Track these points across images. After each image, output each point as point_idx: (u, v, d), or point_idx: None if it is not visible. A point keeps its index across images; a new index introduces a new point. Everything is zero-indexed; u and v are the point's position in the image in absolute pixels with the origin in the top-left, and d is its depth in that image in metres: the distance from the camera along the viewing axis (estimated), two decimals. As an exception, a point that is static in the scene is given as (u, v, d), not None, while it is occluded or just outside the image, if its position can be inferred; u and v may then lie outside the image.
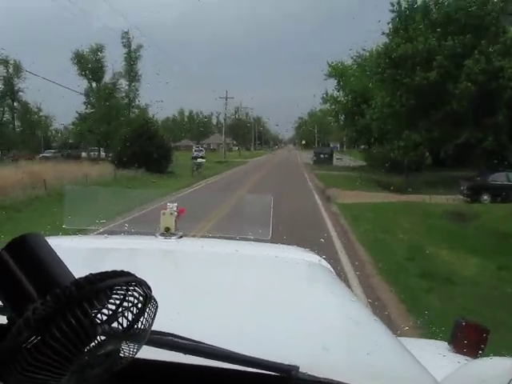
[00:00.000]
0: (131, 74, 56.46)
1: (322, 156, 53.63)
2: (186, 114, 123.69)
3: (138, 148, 36.98)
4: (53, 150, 58.39)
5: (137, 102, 60.66)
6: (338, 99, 47.98)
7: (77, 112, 58.20)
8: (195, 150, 71.88)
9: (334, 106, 48.18)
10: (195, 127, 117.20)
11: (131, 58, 55.62)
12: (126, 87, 57.94)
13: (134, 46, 56.77)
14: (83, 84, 55.63)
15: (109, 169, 30.56)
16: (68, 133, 67.75)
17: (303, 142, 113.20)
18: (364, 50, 45.18)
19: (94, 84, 56.95)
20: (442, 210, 17.54)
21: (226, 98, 69.69)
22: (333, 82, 48.81)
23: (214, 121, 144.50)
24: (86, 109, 56.98)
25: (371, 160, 47.03)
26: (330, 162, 54.08)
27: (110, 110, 53.51)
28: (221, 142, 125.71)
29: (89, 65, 55.58)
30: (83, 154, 56.42)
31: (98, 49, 56.49)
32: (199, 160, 39.01)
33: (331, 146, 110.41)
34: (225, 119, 73.88)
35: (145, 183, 25.20)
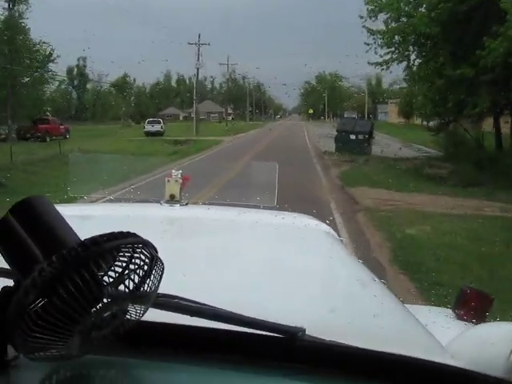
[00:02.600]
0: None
1: (352, 137, 22.20)
2: (175, 78, 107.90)
3: None
4: None
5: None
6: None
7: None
8: (148, 122, 49.18)
9: (395, 24, 17.19)
10: (185, 93, 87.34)
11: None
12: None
13: None
14: None
15: None
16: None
17: (310, 111, 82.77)
18: None
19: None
20: None
21: (199, 44, 40.11)
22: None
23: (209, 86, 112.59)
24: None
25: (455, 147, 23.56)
26: (366, 148, 21.56)
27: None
28: (211, 110, 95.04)
29: None
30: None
31: None
32: None
33: (346, 115, 76.39)
34: (197, 77, 44.94)
35: None
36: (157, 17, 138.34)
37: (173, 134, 44.66)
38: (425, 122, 54.16)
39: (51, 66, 40.43)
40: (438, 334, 1.23)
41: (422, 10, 19.20)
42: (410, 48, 21.77)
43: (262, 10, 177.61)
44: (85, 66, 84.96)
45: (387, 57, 22.00)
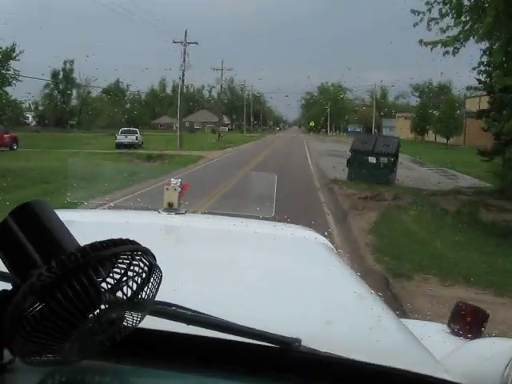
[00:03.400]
0: None
1: (372, 161, 13.24)
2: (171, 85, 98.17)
3: None
4: None
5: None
6: None
7: None
8: (121, 132, 40.49)
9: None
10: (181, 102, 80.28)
11: None
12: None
13: None
14: None
15: None
16: None
17: (311, 123, 76.00)
18: None
19: None
20: None
21: (185, 43, 31.94)
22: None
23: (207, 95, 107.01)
24: None
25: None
26: (391, 175, 12.02)
27: None
28: (207, 120, 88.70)
29: None
30: None
31: None
32: None
33: (350, 129, 70.13)
34: (182, 80, 37.07)
35: None
36: (157, 23, 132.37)
37: (152, 146, 38.22)
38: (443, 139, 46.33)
39: (14, 64, 33.16)
40: (433, 348, 1.24)
41: None
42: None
43: (265, 20, 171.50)
44: (71, 70, 77.73)
45: (455, 31, 12.98)
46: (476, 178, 22.05)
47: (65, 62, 76.39)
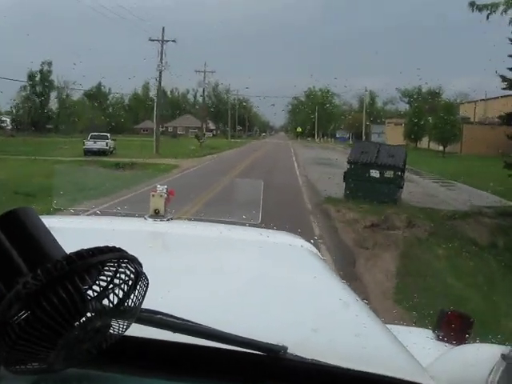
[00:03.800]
0: None
1: (375, 175, 9.22)
2: (153, 89, 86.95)
3: None
4: None
5: None
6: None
7: None
8: (90, 138, 37.39)
9: None
10: (165, 106, 76.19)
11: None
12: None
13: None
14: None
15: None
16: None
17: (298, 129, 72.97)
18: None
19: None
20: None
21: (162, 41, 27.81)
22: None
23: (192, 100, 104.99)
24: None
25: None
26: (397, 192, 7.75)
27: None
28: (191, 125, 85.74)
29: None
30: None
31: None
32: None
33: (338, 135, 68.19)
34: (159, 82, 32.93)
35: None
36: (147, 28, 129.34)
37: (125, 152, 34.82)
38: (437, 146, 43.48)
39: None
40: (418, 355, 1.24)
41: None
42: None
43: (254, 25, 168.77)
44: (49, 72, 73.63)
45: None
46: (493, 194, 18.79)
47: (42, 64, 72.61)
